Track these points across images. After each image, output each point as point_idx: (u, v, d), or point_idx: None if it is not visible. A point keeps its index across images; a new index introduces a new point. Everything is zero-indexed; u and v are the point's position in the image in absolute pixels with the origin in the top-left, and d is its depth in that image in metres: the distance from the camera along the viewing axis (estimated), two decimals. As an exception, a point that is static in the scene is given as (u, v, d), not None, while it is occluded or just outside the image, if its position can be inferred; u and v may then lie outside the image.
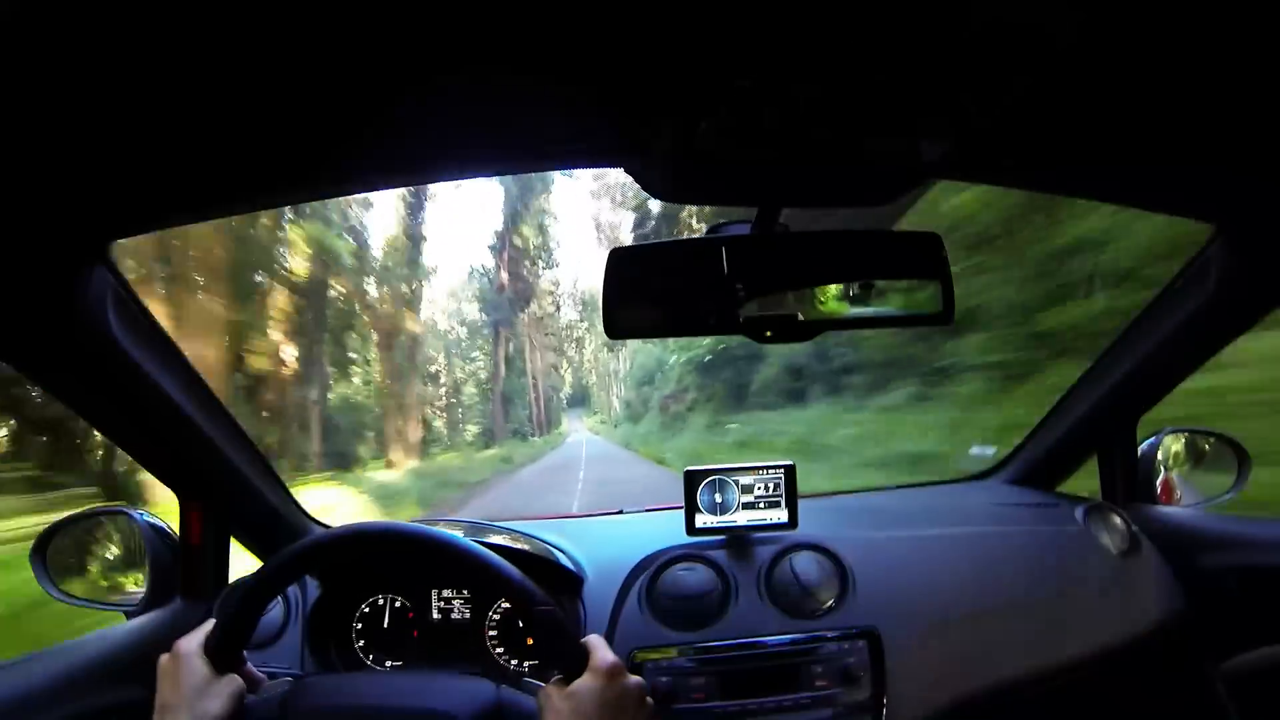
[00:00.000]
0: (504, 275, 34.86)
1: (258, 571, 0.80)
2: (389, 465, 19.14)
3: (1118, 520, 1.40)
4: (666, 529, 1.36)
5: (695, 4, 0.48)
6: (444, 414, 31.32)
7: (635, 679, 0.75)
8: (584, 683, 0.72)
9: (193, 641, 0.77)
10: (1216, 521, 1.35)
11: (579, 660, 0.73)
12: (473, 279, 37.44)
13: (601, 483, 13.58)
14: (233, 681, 0.75)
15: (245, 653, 0.81)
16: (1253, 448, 1.42)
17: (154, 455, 1.10)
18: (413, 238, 23.26)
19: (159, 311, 0.94)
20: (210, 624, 0.79)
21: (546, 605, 0.75)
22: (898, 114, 0.63)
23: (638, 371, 31.87)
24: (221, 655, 0.76)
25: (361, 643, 1.26)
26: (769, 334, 0.91)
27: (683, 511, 1.33)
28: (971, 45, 0.53)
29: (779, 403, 13.76)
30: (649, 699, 0.77)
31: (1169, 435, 1.50)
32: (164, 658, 0.77)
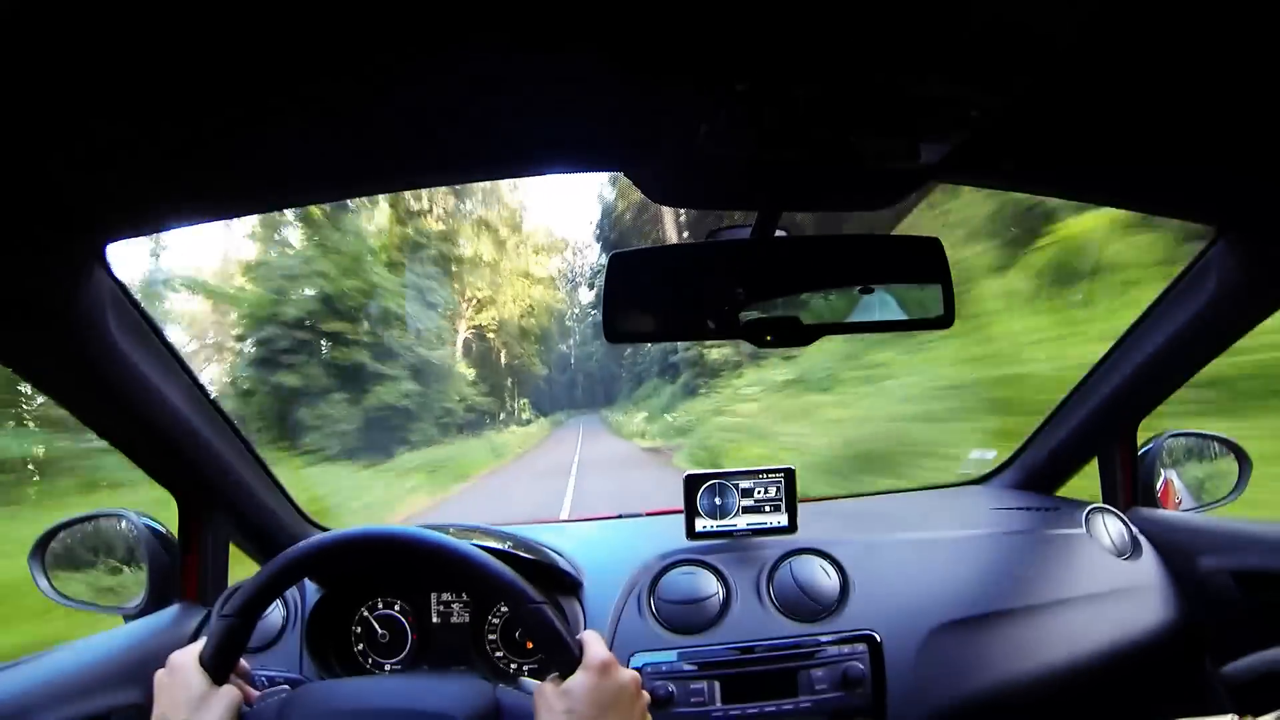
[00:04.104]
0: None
1: (254, 578, 0.79)
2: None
3: (1118, 523, 1.40)
4: (666, 533, 1.36)
5: (694, 6, 0.48)
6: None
7: (629, 672, 0.75)
8: (578, 679, 0.71)
9: (188, 654, 0.77)
10: (1217, 525, 1.34)
11: (573, 656, 0.73)
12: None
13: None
14: (230, 692, 0.75)
15: (244, 657, 0.81)
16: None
17: (152, 458, 1.10)
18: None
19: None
20: (205, 637, 0.79)
21: (538, 602, 0.75)
22: (898, 114, 0.63)
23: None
24: (217, 666, 0.75)
25: (361, 646, 1.26)
26: (769, 338, 0.91)
27: (682, 515, 1.33)
28: (971, 45, 0.53)
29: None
30: (644, 692, 0.77)
31: (1170, 439, 1.50)
32: (160, 672, 0.76)
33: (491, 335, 34.61)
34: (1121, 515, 1.42)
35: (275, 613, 1.19)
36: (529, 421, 36.63)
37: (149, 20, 0.45)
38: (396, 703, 0.77)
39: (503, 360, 36.78)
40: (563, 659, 0.73)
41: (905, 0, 0.48)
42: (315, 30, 0.49)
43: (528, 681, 0.81)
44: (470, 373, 28.31)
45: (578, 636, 0.76)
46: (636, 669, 1.08)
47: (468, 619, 1.27)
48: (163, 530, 1.21)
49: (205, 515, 1.21)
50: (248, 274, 17.21)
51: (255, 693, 0.81)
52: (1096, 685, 1.20)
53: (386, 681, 0.96)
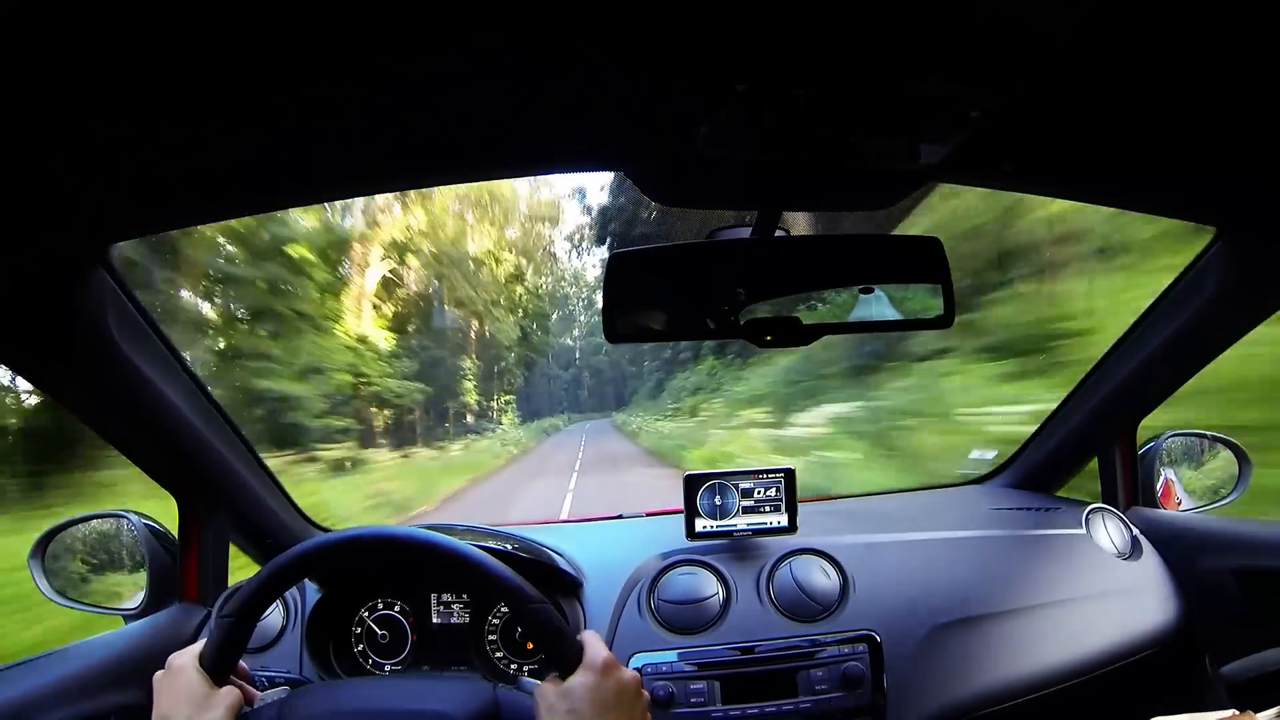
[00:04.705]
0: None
1: (253, 578, 0.79)
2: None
3: (1118, 524, 1.40)
4: (666, 533, 1.36)
5: (694, 6, 0.48)
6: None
7: (630, 672, 0.75)
8: (579, 679, 0.72)
9: (188, 655, 0.77)
10: (1217, 524, 1.34)
11: (573, 656, 0.74)
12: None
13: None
14: (230, 693, 0.75)
15: (244, 657, 0.81)
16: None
17: (153, 459, 1.10)
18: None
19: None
20: (205, 638, 0.79)
21: (539, 602, 0.75)
22: (898, 114, 0.63)
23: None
24: (217, 667, 0.76)
25: (361, 647, 1.26)
26: (769, 338, 0.91)
27: (682, 516, 1.33)
28: (971, 45, 0.53)
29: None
30: (645, 692, 0.77)
31: (1169, 438, 1.50)
32: (159, 674, 0.77)
33: (415, 260, 20.26)
34: (1121, 515, 1.42)
35: (275, 613, 1.19)
36: (469, 434, 21.21)
37: (148, 20, 0.45)
38: (395, 704, 0.77)
39: (472, 334, 24.26)
40: (563, 658, 0.74)
41: (905, 0, 0.48)
42: (315, 30, 0.49)
43: (527, 681, 0.81)
44: (387, 338, 17.59)
45: (578, 636, 0.76)
46: (636, 669, 1.09)
47: (468, 619, 1.27)
48: (163, 530, 1.21)
49: (205, 515, 1.21)
50: None
51: (256, 693, 0.81)
52: (1096, 685, 1.20)
53: (386, 682, 0.96)
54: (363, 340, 15.88)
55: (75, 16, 0.43)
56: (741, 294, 0.91)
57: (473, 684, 0.80)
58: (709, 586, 1.21)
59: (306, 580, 1.23)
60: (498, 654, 1.25)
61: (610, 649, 0.76)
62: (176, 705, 0.73)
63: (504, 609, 1.26)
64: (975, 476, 1.79)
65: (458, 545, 0.79)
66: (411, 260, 20.29)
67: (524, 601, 0.75)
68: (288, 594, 1.20)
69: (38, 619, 3.03)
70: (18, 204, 0.64)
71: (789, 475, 1.34)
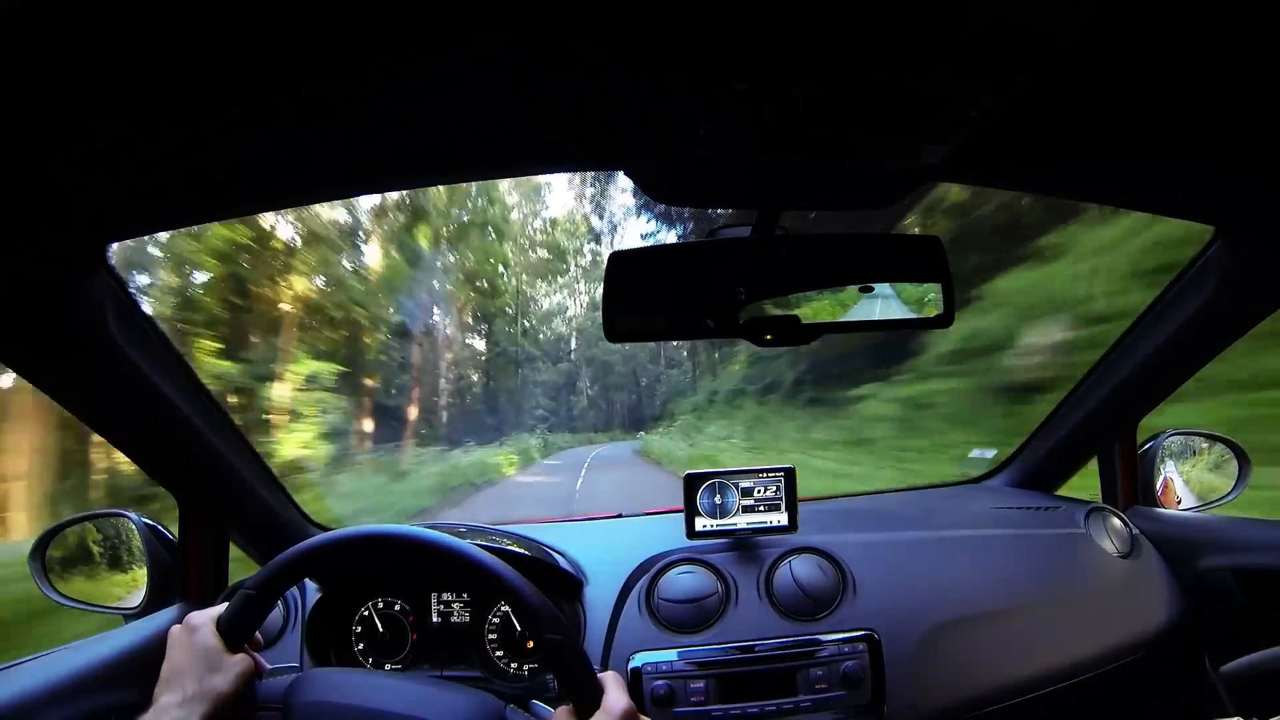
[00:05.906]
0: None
1: (281, 556, 0.79)
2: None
3: (1118, 523, 1.40)
4: (666, 532, 1.36)
5: (694, 6, 0.48)
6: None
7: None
8: None
9: (206, 615, 0.77)
10: (1217, 524, 1.34)
11: (594, 697, 0.72)
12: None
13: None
14: (243, 660, 0.75)
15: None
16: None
17: (154, 459, 1.10)
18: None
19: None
20: (223, 605, 0.79)
21: (564, 635, 0.74)
22: (898, 114, 0.63)
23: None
24: (234, 633, 0.76)
25: (361, 646, 1.26)
26: (769, 337, 0.91)
27: (682, 515, 1.33)
28: (971, 45, 0.53)
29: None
30: None
31: (1169, 437, 1.50)
32: (175, 628, 0.77)
33: None
34: (1121, 514, 1.42)
35: (275, 612, 1.19)
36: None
37: (149, 20, 0.45)
38: (405, 708, 0.77)
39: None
40: (582, 698, 0.72)
41: (905, 0, 0.48)
42: (315, 30, 0.49)
43: (539, 706, 0.80)
44: None
45: (600, 676, 0.75)
46: (636, 669, 1.09)
47: (468, 619, 1.27)
48: (163, 530, 1.21)
49: (205, 515, 1.21)
50: None
51: (267, 666, 0.81)
52: (1096, 684, 1.20)
53: (397, 683, 0.96)
54: None
55: (75, 16, 0.43)
56: (741, 293, 0.91)
57: (483, 699, 0.79)
58: (709, 585, 1.21)
59: (306, 580, 1.23)
60: (498, 653, 1.25)
61: (610, 648, 0.76)
62: (189, 662, 0.74)
63: (503, 608, 1.26)
64: (975, 476, 1.80)
65: (478, 553, 0.78)
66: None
67: (548, 629, 0.74)
68: (288, 594, 1.20)
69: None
70: (18, 204, 0.64)
71: (789, 474, 1.34)
